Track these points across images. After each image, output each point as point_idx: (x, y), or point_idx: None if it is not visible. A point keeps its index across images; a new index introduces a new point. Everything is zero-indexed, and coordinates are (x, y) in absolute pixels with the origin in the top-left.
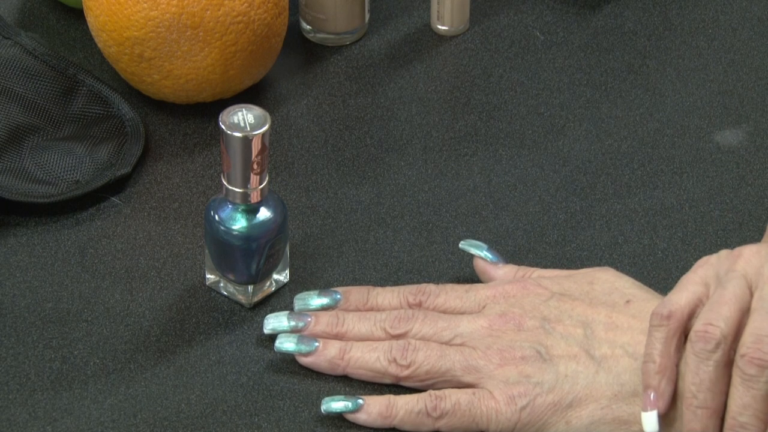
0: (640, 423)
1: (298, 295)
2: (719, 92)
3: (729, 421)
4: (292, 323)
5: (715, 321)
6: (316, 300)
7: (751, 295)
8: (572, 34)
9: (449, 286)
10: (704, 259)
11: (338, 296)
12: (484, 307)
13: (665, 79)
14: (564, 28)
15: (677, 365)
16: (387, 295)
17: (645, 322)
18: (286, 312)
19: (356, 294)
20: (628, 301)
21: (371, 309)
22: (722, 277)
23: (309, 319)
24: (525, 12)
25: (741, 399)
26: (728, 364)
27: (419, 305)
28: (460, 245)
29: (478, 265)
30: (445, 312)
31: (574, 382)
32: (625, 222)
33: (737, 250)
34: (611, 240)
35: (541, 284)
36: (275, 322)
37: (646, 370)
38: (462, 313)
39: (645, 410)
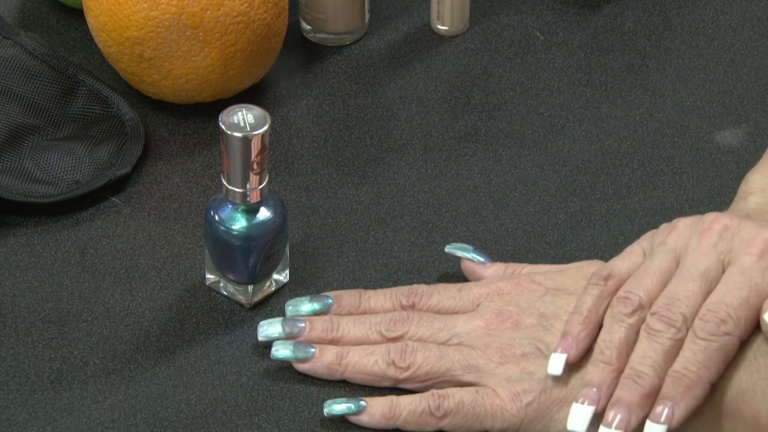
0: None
1: (290, 301)
2: (719, 92)
3: (627, 371)
4: (287, 330)
5: (635, 289)
6: (307, 305)
7: (677, 266)
8: (572, 34)
9: (441, 286)
10: (650, 232)
11: (330, 301)
12: (478, 305)
13: (665, 79)
14: (564, 28)
15: (600, 325)
16: (379, 298)
17: None
18: (280, 318)
19: (348, 298)
20: None
21: (364, 312)
22: (654, 248)
23: (303, 325)
24: (525, 12)
25: (643, 350)
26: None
27: (413, 307)
28: (446, 249)
29: (466, 267)
30: (439, 312)
31: (578, 377)
32: (625, 222)
33: (674, 222)
34: (611, 240)
35: (535, 280)
36: (269, 329)
37: (570, 319)
38: (456, 313)
39: (556, 351)
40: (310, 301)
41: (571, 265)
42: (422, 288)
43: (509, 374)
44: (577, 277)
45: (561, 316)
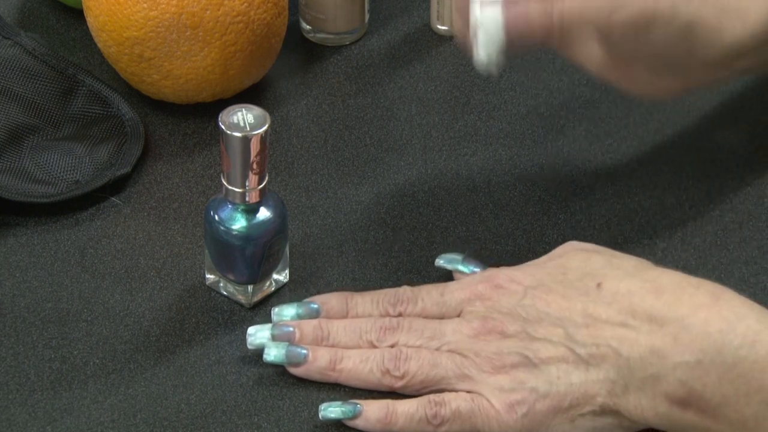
0: (633, 415)
1: (275, 309)
2: (719, 92)
3: None
4: (276, 334)
5: None
6: (293, 311)
7: None
8: None
9: (425, 290)
10: None
11: (315, 306)
12: (461, 311)
13: None
14: None
15: None
16: (367, 306)
17: (620, 312)
18: (269, 325)
19: (336, 304)
20: (599, 284)
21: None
22: None
23: (291, 330)
24: None
25: None
26: None
27: (400, 316)
28: (436, 263)
29: (458, 277)
30: (426, 318)
31: (569, 384)
32: (625, 222)
33: None
34: (611, 240)
35: (513, 278)
36: (258, 334)
37: None
38: (442, 318)
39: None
40: (297, 308)
41: (548, 256)
42: (406, 294)
43: (501, 384)
44: (556, 273)
45: (543, 319)
